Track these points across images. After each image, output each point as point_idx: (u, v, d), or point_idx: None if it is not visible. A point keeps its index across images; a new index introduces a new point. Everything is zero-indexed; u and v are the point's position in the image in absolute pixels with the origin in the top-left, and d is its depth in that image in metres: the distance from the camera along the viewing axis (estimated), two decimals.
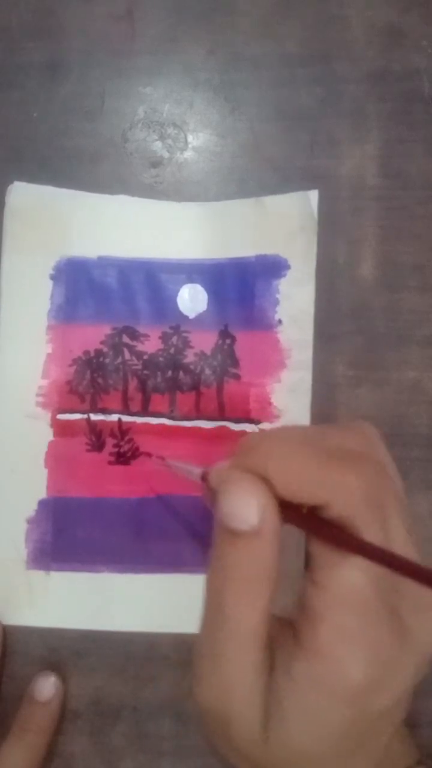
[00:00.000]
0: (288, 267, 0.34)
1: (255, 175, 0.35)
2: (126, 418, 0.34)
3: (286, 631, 0.23)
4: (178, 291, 0.34)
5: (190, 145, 0.35)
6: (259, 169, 0.35)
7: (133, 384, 0.34)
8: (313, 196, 0.34)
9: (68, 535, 0.34)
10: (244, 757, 0.23)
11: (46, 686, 0.32)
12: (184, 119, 0.35)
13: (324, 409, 0.34)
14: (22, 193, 0.34)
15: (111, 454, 0.34)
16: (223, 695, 0.22)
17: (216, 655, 0.22)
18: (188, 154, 0.35)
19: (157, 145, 0.35)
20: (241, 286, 0.34)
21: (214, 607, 0.22)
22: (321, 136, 0.35)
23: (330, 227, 0.34)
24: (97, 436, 0.34)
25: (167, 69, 0.35)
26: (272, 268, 0.34)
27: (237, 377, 0.34)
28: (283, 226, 0.34)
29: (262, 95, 0.35)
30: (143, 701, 0.34)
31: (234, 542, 0.21)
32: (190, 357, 0.34)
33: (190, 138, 0.35)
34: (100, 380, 0.34)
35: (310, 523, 0.22)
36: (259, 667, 0.22)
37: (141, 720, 0.34)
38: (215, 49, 0.35)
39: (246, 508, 0.20)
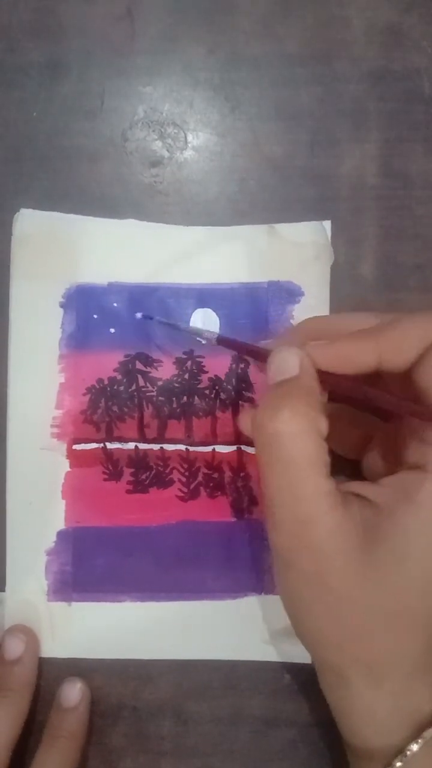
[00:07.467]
0: (302, 294, 0.34)
1: (255, 175, 0.35)
2: (142, 446, 0.34)
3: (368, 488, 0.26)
4: (190, 316, 0.34)
5: (190, 145, 0.35)
6: (259, 168, 0.35)
7: (148, 411, 0.34)
8: (327, 226, 0.34)
9: (89, 565, 0.33)
10: (340, 599, 0.25)
11: (73, 692, 0.32)
12: (184, 119, 0.35)
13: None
14: (28, 220, 0.34)
15: (129, 482, 0.34)
16: (305, 530, 0.25)
17: (289, 494, 0.25)
18: (188, 154, 0.35)
19: (157, 145, 0.35)
20: (254, 311, 0.34)
21: (272, 452, 0.25)
22: (321, 136, 0.35)
23: (330, 227, 0.34)
24: (114, 465, 0.34)
25: (167, 69, 0.35)
26: (286, 294, 0.34)
27: (252, 401, 0.34)
28: (296, 255, 0.34)
29: (262, 95, 0.35)
30: (143, 701, 0.34)
31: (282, 384, 0.26)
32: (204, 382, 0.34)
33: (190, 137, 0.35)
34: (115, 408, 0.34)
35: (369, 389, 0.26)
36: (331, 496, 0.25)
37: (141, 720, 0.34)
38: (215, 48, 0.35)
39: (289, 361, 0.26)
